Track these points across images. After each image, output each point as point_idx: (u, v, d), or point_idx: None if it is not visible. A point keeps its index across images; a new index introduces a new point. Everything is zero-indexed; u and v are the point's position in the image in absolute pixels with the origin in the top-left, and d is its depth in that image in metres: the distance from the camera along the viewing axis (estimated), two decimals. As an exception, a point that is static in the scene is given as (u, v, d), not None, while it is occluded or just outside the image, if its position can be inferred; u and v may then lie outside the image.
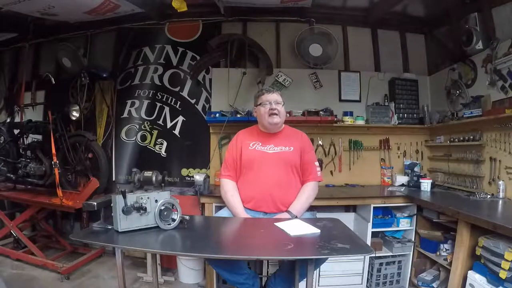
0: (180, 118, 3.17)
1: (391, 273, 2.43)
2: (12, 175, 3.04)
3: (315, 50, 3.06)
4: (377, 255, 2.37)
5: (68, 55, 3.29)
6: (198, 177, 2.34)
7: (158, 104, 3.18)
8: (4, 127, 3.19)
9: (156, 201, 1.44)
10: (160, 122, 3.18)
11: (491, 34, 2.42)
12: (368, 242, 2.34)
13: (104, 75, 3.13)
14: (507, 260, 1.51)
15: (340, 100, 3.15)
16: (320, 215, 2.16)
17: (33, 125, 3.09)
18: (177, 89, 3.18)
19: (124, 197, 1.37)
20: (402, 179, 2.87)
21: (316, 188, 1.94)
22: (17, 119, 3.44)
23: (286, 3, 2.84)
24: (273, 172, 1.85)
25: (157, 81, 3.19)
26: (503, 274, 1.52)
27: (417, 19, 3.23)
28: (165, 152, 3.17)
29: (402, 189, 2.70)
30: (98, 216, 1.55)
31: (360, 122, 3.04)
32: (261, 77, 3.01)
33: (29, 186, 3.14)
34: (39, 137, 3.21)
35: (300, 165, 1.92)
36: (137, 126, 3.19)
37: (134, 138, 3.19)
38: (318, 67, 3.14)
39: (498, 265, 1.55)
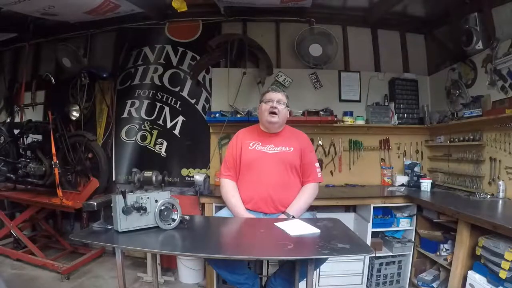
0: (180, 118, 3.17)
1: (391, 273, 2.43)
2: (12, 175, 3.04)
3: (315, 50, 3.06)
4: (377, 255, 2.37)
5: (68, 55, 3.29)
6: (198, 177, 2.34)
7: (158, 104, 3.18)
8: (4, 127, 3.19)
9: (156, 201, 1.44)
10: (160, 122, 3.18)
11: (491, 34, 2.42)
12: (368, 242, 2.34)
13: (104, 75, 3.12)
14: (507, 260, 1.51)
15: (340, 100, 3.15)
16: (320, 215, 2.16)
17: (33, 125, 3.09)
18: (177, 89, 3.18)
19: (124, 197, 1.37)
20: (402, 179, 2.87)
21: (316, 189, 1.94)
22: (17, 119, 3.43)
23: (286, 3, 2.84)
24: (273, 173, 1.85)
25: (157, 81, 3.19)
26: (503, 274, 1.52)
27: (417, 19, 3.23)
28: (165, 152, 3.17)
29: (402, 189, 2.70)
30: (98, 216, 1.55)
31: (360, 122, 3.04)
32: (261, 77, 3.02)
33: (29, 186, 3.14)
34: (39, 137, 3.21)
35: (300, 166, 1.92)
36: (137, 126, 3.19)
37: (134, 138, 3.19)
38: (318, 67, 3.14)
39: (498, 265, 1.55)
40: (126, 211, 1.36)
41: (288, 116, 2.01)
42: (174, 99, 3.18)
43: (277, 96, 1.91)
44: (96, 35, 3.37)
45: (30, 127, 3.10)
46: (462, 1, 2.63)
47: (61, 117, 3.02)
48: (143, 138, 3.19)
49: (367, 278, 2.42)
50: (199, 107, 3.17)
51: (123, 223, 1.37)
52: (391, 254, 2.44)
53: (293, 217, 1.76)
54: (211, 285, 2.28)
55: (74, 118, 3.06)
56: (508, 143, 2.23)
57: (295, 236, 1.37)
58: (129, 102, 3.23)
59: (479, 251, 1.69)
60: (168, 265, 2.74)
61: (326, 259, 1.54)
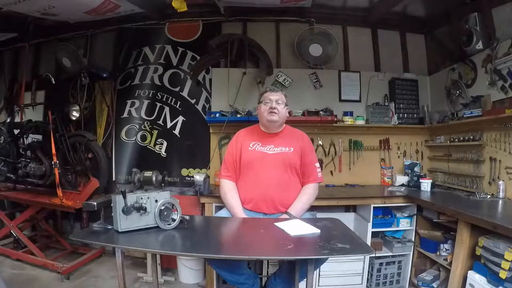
0: (180, 118, 3.17)
1: (391, 273, 2.43)
2: (12, 175, 3.04)
3: (315, 50, 3.06)
4: (377, 255, 2.37)
5: (68, 55, 3.29)
6: (198, 177, 2.34)
7: (158, 104, 3.18)
8: (4, 127, 3.19)
9: (156, 201, 1.44)
10: (160, 122, 3.18)
11: (491, 34, 2.42)
12: (368, 242, 2.34)
13: (104, 75, 3.13)
14: (507, 260, 1.51)
15: (340, 100, 3.15)
16: (320, 215, 2.16)
17: (33, 125, 3.09)
18: (177, 89, 3.18)
19: (124, 197, 1.37)
20: (402, 179, 2.87)
21: (316, 190, 1.94)
22: (17, 119, 3.43)
23: (286, 3, 2.84)
24: (273, 173, 1.85)
25: (157, 81, 3.19)
26: (503, 274, 1.52)
27: (417, 19, 3.23)
28: (165, 152, 3.17)
29: (402, 189, 2.70)
30: (98, 216, 1.55)
31: (360, 122, 3.04)
32: (261, 77, 3.02)
33: (29, 186, 3.13)
34: (39, 137, 3.21)
35: (301, 166, 1.92)
36: (137, 126, 3.19)
37: (134, 138, 3.19)
38: (318, 67, 3.14)
39: (498, 265, 1.55)
40: (126, 211, 1.36)
41: (288, 115, 2.00)
42: (174, 99, 3.18)
43: (275, 96, 1.91)
44: (96, 35, 3.36)
45: (30, 127, 3.09)
46: (462, 1, 2.64)
47: (61, 117, 3.01)
48: (143, 138, 3.19)
49: (367, 278, 2.42)
50: (199, 107, 3.17)
51: (123, 223, 1.37)
52: (391, 254, 2.44)
53: (295, 217, 1.76)
54: (211, 285, 2.28)
55: (74, 118, 3.05)
56: (508, 143, 2.23)
57: (295, 236, 1.37)
58: (129, 102, 3.23)
59: (479, 251, 1.69)
60: (168, 265, 2.74)
61: (326, 259, 1.54)
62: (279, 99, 1.91)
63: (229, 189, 1.91)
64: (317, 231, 1.41)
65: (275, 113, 1.87)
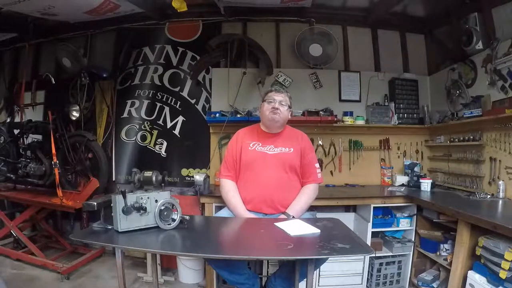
0: (180, 118, 3.17)
1: (391, 273, 2.43)
2: (12, 175, 3.04)
3: (315, 50, 3.06)
4: (377, 255, 2.37)
5: (68, 55, 3.29)
6: (198, 177, 2.34)
7: (158, 104, 3.18)
8: (4, 127, 3.19)
9: (156, 201, 1.44)
10: (160, 122, 3.18)
11: (491, 34, 2.42)
12: (368, 242, 2.34)
13: (104, 75, 3.13)
14: (507, 260, 1.51)
15: (340, 100, 3.15)
16: (320, 215, 2.16)
17: (33, 125, 3.09)
18: (177, 89, 3.19)
19: (124, 197, 1.37)
20: (402, 179, 2.87)
21: (316, 190, 1.94)
22: (17, 119, 3.43)
23: (286, 3, 2.84)
24: (273, 174, 1.85)
25: (157, 81, 3.19)
26: (503, 274, 1.52)
27: (417, 19, 3.24)
28: (165, 152, 3.17)
29: (402, 189, 2.70)
30: (98, 216, 1.55)
31: (360, 122, 3.04)
32: (261, 77, 3.02)
33: (29, 186, 3.14)
34: (39, 137, 3.21)
35: (300, 167, 1.92)
36: (137, 126, 3.19)
37: (134, 138, 3.19)
38: (318, 67, 3.14)
39: (498, 265, 1.55)
40: (126, 211, 1.36)
41: (290, 117, 2.01)
42: (174, 99, 3.18)
43: (279, 97, 1.91)
44: (96, 35, 3.37)
45: (30, 127, 3.09)
46: (462, 1, 2.63)
47: (61, 117, 3.02)
48: (143, 138, 3.19)
49: (367, 278, 2.42)
50: (199, 107, 3.17)
51: (123, 223, 1.37)
52: (391, 254, 2.44)
53: (293, 217, 1.75)
54: (211, 285, 2.28)
55: (74, 118, 3.05)
56: (508, 143, 2.23)
57: (295, 236, 1.37)
58: (129, 102, 3.23)
59: (479, 251, 1.69)
60: (168, 265, 2.74)
61: (326, 259, 1.54)
62: (282, 100, 1.91)
63: (230, 189, 1.90)
64: (317, 231, 1.41)
65: (277, 113, 1.87)
